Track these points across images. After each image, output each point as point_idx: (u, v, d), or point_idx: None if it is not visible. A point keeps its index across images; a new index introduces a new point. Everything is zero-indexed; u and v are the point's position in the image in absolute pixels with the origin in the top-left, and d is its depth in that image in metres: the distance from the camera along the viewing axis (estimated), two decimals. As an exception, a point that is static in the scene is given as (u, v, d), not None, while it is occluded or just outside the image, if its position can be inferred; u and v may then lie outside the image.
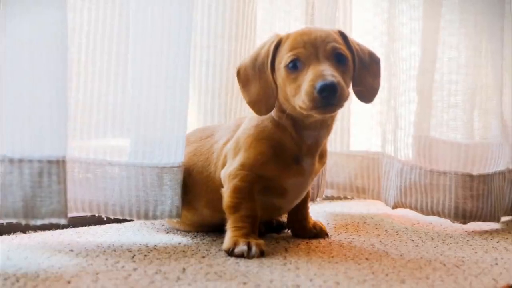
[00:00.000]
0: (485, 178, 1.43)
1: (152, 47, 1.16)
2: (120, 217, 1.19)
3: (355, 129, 1.69)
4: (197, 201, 1.21)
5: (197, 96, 1.40)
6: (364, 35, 1.64)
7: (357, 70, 1.13)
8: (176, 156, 1.19)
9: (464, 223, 1.44)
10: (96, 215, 1.19)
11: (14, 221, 1.01)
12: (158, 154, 1.18)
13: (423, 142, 1.49)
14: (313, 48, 1.07)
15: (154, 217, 1.18)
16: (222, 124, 1.32)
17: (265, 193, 1.15)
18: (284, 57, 1.08)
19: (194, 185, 1.21)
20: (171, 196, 1.18)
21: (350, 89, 1.12)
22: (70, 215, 1.28)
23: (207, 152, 1.22)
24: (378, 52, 1.57)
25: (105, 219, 1.23)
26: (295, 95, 1.06)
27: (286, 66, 1.08)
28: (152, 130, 1.17)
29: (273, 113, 1.14)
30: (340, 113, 1.62)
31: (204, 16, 1.38)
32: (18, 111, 1.00)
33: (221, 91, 1.41)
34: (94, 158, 1.17)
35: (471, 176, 1.42)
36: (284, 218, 1.33)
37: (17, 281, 0.89)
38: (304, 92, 1.03)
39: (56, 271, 0.95)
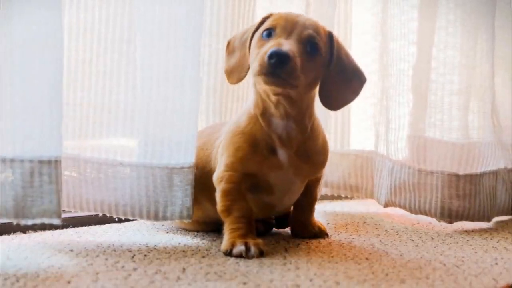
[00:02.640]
0: (472, 178, 1.44)
1: (160, 46, 1.16)
2: (131, 218, 1.19)
3: (352, 129, 1.69)
4: (201, 195, 1.21)
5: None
6: (363, 35, 1.64)
7: (332, 74, 1.12)
8: (186, 156, 1.18)
9: (450, 222, 1.44)
10: (108, 215, 1.19)
11: (5, 220, 1.02)
12: (167, 154, 1.17)
13: (412, 141, 1.49)
14: (291, 26, 1.08)
15: (164, 218, 1.18)
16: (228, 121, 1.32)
17: (254, 191, 1.15)
18: (263, 27, 1.11)
19: (199, 178, 1.21)
20: (181, 197, 1.18)
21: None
22: (72, 215, 1.29)
23: (211, 147, 1.22)
24: (377, 52, 1.59)
25: (116, 219, 1.23)
26: (254, 61, 1.07)
27: (261, 34, 1.10)
28: (162, 129, 1.17)
29: (251, 103, 1.15)
30: (334, 113, 1.63)
31: None
32: (11, 111, 1.00)
33: (215, 90, 1.42)
34: (106, 158, 1.17)
35: (457, 176, 1.43)
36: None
37: (17, 281, 0.89)
38: (259, 56, 1.04)
39: (56, 271, 0.95)
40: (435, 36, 1.48)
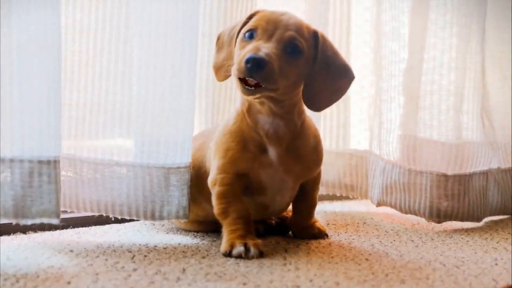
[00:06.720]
0: (460, 178, 1.44)
1: (157, 46, 1.16)
2: (128, 217, 1.20)
3: (351, 129, 1.69)
4: (199, 194, 1.22)
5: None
6: (362, 35, 1.64)
7: (316, 73, 1.12)
8: (183, 156, 1.19)
9: (439, 222, 1.45)
10: (104, 214, 1.20)
11: (4, 220, 1.02)
12: (164, 154, 1.18)
13: (402, 141, 1.49)
14: (273, 27, 1.08)
15: (161, 218, 1.19)
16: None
17: (247, 192, 1.15)
18: (246, 26, 1.11)
19: (196, 179, 1.21)
20: (177, 197, 1.18)
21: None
22: (72, 215, 1.29)
23: (206, 149, 1.22)
24: (374, 52, 1.59)
25: (113, 218, 1.23)
26: (235, 63, 1.07)
27: (244, 34, 1.10)
28: (158, 129, 1.18)
29: (240, 102, 1.15)
30: (329, 112, 1.62)
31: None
32: (10, 111, 1.00)
33: (208, 90, 1.42)
34: (102, 158, 1.18)
35: (445, 176, 1.43)
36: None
37: (17, 281, 0.89)
38: (237, 60, 1.05)
39: (56, 272, 0.95)
40: (426, 37, 1.48)
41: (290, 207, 1.28)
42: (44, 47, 1.02)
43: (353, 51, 1.63)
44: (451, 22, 1.47)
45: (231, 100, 1.46)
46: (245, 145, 1.13)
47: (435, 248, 1.21)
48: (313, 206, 1.27)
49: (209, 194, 1.17)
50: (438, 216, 1.44)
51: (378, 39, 1.54)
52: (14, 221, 1.01)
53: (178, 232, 1.29)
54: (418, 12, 1.49)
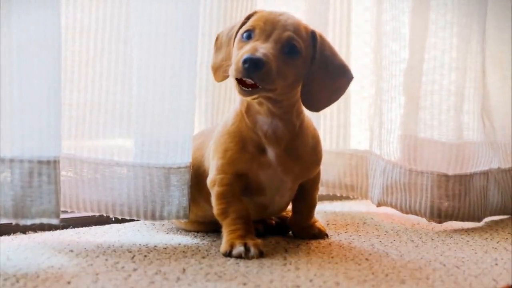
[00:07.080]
0: (461, 178, 1.45)
1: (157, 46, 1.16)
2: (128, 217, 1.20)
3: (352, 129, 1.69)
4: (199, 194, 1.22)
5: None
6: (362, 35, 1.64)
7: (315, 73, 1.11)
8: (183, 156, 1.19)
9: (440, 222, 1.45)
10: (104, 215, 1.20)
11: (4, 220, 1.02)
12: (164, 154, 1.18)
13: (403, 141, 1.49)
14: (271, 28, 1.08)
15: (161, 218, 1.19)
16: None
17: (246, 192, 1.15)
18: (244, 27, 1.11)
19: (196, 178, 1.21)
20: (178, 197, 1.18)
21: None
22: (72, 215, 1.30)
23: (205, 148, 1.22)
24: (374, 52, 1.59)
25: (113, 218, 1.23)
26: (233, 63, 1.07)
27: (241, 34, 1.10)
28: (158, 129, 1.18)
29: (238, 102, 1.15)
30: (329, 112, 1.62)
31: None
32: (10, 111, 1.00)
33: (208, 90, 1.42)
34: (103, 158, 1.18)
35: (446, 176, 1.43)
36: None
37: (17, 281, 0.89)
38: (235, 61, 1.05)
39: (56, 272, 0.95)
40: (427, 37, 1.48)
41: (290, 207, 1.28)
42: (44, 47, 1.02)
43: (353, 51, 1.63)
44: (451, 22, 1.48)
45: (231, 100, 1.46)
46: (244, 145, 1.13)
47: (435, 248, 1.21)
48: (313, 206, 1.27)
49: (208, 194, 1.17)
50: (439, 216, 1.44)
51: (379, 39, 1.54)
52: (14, 221, 1.01)
53: (178, 232, 1.29)
54: (419, 12, 1.49)
